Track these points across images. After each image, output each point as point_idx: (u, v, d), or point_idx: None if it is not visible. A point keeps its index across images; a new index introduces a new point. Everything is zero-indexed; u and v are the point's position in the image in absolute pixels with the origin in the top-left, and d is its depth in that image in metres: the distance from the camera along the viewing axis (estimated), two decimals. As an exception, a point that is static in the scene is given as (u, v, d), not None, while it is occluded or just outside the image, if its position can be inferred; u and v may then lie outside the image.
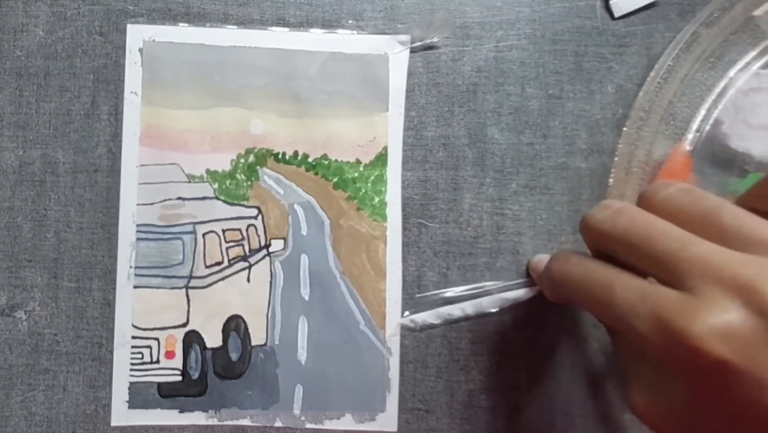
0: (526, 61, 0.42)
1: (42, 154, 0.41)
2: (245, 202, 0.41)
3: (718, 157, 0.41)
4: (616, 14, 0.42)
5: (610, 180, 0.39)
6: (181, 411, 0.40)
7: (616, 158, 0.40)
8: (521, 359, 0.41)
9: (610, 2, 0.41)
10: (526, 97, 0.42)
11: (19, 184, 0.41)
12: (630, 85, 0.42)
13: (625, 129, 0.40)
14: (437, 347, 0.41)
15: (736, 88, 0.41)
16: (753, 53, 0.41)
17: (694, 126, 0.41)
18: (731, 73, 0.41)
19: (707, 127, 0.41)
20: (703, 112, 0.41)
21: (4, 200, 0.41)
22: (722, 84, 0.41)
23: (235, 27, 0.41)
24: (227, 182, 0.41)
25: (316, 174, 0.41)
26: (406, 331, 0.41)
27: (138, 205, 0.41)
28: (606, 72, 0.42)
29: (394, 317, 0.41)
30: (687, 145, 0.41)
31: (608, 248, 0.29)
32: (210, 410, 0.40)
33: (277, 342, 0.41)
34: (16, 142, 0.41)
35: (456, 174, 0.41)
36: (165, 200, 0.41)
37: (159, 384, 0.40)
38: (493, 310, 0.40)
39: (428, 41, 0.41)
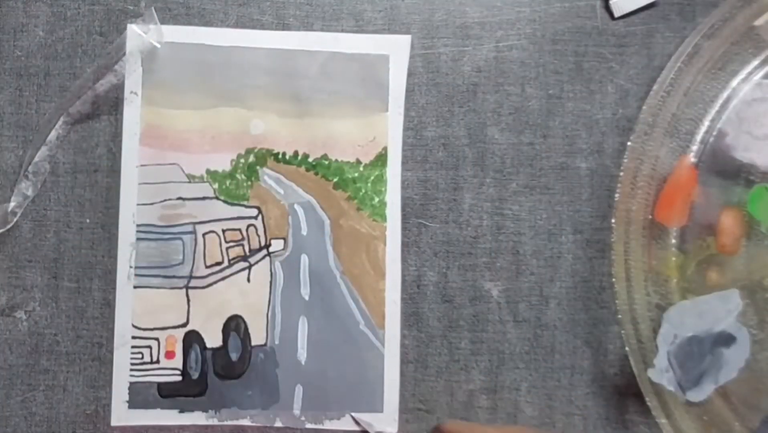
0: (526, 61, 0.42)
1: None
2: (245, 202, 0.41)
3: (723, 169, 0.40)
4: (616, 14, 0.42)
5: (616, 195, 0.39)
6: (181, 411, 0.40)
7: (621, 173, 0.39)
8: (521, 359, 0.41)
9: (610, 2, 0.41)
10: (526, 97, 0.42)
11: (19, 184, 0.41)
12: (630, 85, 0.42)
13: (629, 144, 0.39)
14: (437, 347, 0.41)
15: (739, 99, 0.40)
16: (755, 63, 0.40)
17: (699, 138, 0.41)
18: (734, 83, 0.41)
19: (711, 139, 0.41)
20: (707, 123, 0.41)
21: (4, 200, 0.41)
22: (725, 95, 0.41)
23: (235, 27, 0.41)
24: (227, 182, 0.41)
25: (317, 174, 0.41)
26: (406, 331, 0.41)
27: (138, 205, 0.41)
28: (606, 72, 0.42)
29: (394, 317, 0.41)
30: (692, 158, 0.41)
31: None
32: (210, 410, 0.40)
33: (277, 342, 0.41)
34: (16, 142, 0.41)
35: (456, 174, 0.41)
36: (165, 200, 0.41)
37: (159, 384, 0.40)
38: None
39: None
